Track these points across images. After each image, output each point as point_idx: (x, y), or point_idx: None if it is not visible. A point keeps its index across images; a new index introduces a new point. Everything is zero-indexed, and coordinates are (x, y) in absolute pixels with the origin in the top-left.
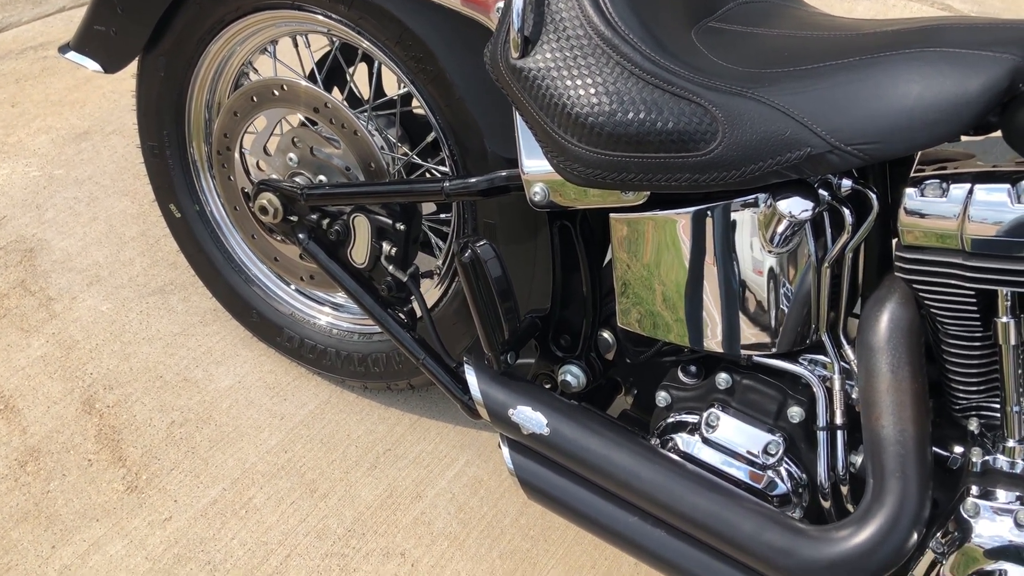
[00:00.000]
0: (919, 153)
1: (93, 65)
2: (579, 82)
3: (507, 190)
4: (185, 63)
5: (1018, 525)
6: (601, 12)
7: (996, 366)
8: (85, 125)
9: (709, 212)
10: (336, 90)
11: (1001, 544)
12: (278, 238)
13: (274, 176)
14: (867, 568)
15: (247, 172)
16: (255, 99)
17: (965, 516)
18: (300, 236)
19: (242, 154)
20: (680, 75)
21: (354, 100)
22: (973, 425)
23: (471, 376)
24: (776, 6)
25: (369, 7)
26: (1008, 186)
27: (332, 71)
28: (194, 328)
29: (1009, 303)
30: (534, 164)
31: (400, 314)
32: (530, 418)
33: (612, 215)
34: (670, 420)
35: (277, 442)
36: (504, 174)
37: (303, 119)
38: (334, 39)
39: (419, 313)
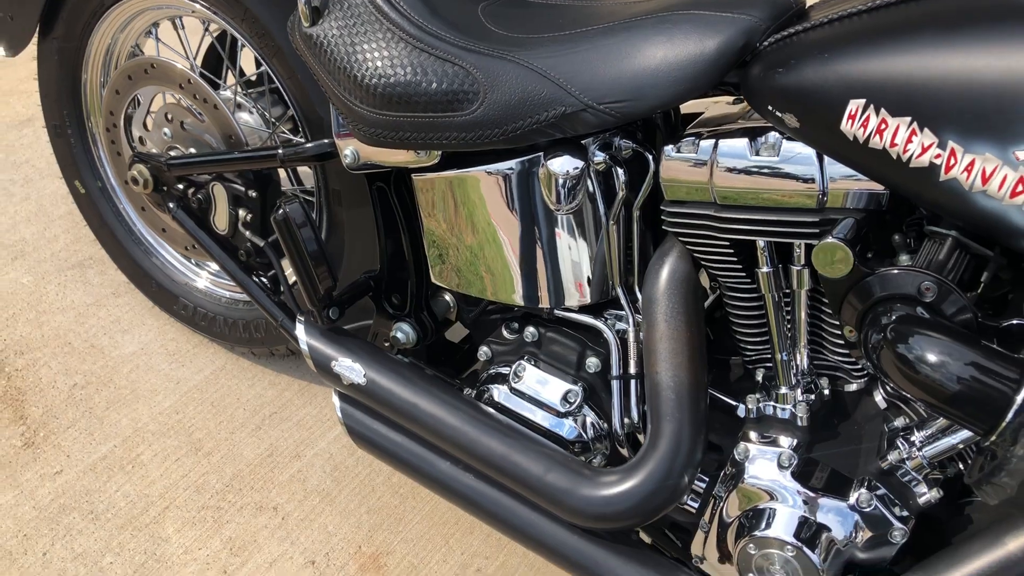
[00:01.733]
0: (703, 113)
1: None
2: (357, 48)
3: (334, 155)
4: (75, 47)
5: (780, 467)
6: None
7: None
8: (29, 113)
9: (497, 172)
10: (231, 72)
11: (767, 484)
12: (163, 210)
13: (153, 150)
14: (642, 506)
15: (132, 148)
16: (131, 77)
17: (738, 459)
18: (170, 205)
19: (127, 130)
20: (445, 40)
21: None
22: (759, 375)
23: (300, 331)
24: None
25: None
26: (747, 140)
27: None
28: (106, 299)
29: (767, 253)
30: (344, 128)
31: (264, 279)
32: (349, 368)
33: (414, 176)
34: (489, 372)
35: (170, 404)
36: (328, 141)
37: (179, 97)
38: (204, 21)
39: (280, 280)
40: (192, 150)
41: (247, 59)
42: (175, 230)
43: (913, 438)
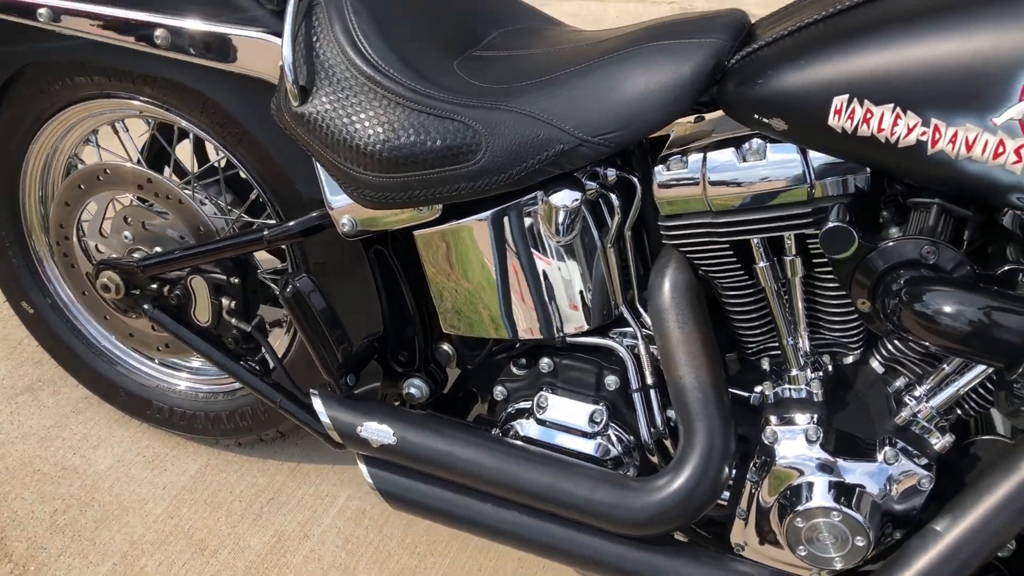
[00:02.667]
0: (671, 135)
1: None
2: (355, 118)
3: (323, 228)
4: (12, 163)
5: (808, 441)
6: (361, 53)
7: (768, 308)
8: None
9: (497, 215)
10: (167, 168)
11: (800, 460)
12: (131, 315)
13: (113, 255)
14: (692, 503)
15: (88, 257)
16: (82, 187)
17: (767, 443)
18: (145, 307)
19: (81, 240)
20: (440, 99)
21: (184, 173)
22: (765, 364)
23: (318, 404)
24: (533, 30)
25: (171, 84)
26: (733, 149)
27: (162, 151)
28: (67, 419)
29: (762, 249)
30: (338, 199)
31: (252, 363)
32: (377, 431)
33: (415, 232)
34: (508, 410)
35: (163, 510)
36: (316, 214)
37: (133, 198)
38: (149, 120)
39: (272, 360)
40: (158, 249)
41: (182, 151)
42: (145, 332)
43: (917, 393)
